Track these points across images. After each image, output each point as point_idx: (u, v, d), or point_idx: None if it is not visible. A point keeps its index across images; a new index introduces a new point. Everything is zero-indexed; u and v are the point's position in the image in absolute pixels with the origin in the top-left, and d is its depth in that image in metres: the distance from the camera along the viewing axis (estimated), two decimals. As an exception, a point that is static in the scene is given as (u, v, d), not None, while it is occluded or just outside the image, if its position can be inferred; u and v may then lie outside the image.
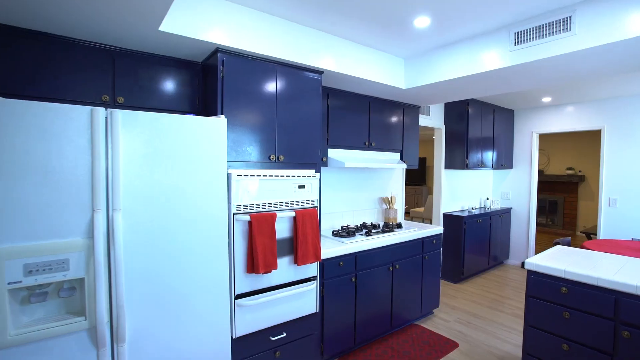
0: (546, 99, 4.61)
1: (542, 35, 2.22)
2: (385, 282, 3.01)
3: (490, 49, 2.48)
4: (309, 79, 2.44)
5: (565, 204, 8.18)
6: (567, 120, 4.90)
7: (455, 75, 2.69)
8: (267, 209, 2.14)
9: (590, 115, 4.68)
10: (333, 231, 3.06)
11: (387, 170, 3.95)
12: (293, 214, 2.21)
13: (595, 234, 5.81)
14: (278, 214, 2.14)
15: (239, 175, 2.02)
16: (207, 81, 2.24)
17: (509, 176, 5.55)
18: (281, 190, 2.20)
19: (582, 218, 7.96)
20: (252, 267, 2.03)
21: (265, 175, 2.13)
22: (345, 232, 3.05)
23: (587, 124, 4.70)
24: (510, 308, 3.82)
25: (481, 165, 4.81)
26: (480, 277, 4.85)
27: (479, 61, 2.55)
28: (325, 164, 2.94)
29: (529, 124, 5.29)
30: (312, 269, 2.39)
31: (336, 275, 2.63)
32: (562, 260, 2.28)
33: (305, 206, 2.33)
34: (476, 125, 4.68)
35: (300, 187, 2.29)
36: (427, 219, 8.97)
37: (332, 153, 3.00)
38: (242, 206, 2.04)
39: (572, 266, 2.18)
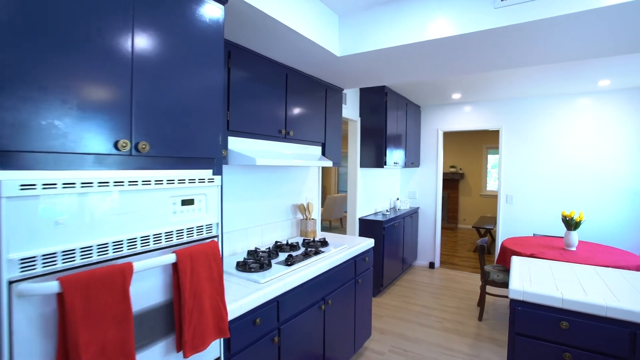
0: (456, 96, 4.47)
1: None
2: (316, 327, 2.13)
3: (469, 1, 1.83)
4: (202, 20, 1.34)
5: (449, 200, 8.81)
6: (470, 119, 4.91)
7: (420, 37, 1.96)
8: (108, 257, 1.00)
9: (490, 114, 4.76)
10: (238, 262, 2.02)
11: (302, 170, 3.08)
12: (172, 258, 1.12)
13: (485, 229, 6.17)
14: (136, 266, 1.01)
15: (29, 187, 0.84)
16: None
17: (416, 175, 5.38)
18: (144, 211, 1.08)
19: (462, 212, 8.69)
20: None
21: (104, 184, 0.98)
22: (256, 261, 2.04)
23: (488, 123, 4.78)
24: (437, 320, 3.42)
25: (397, 163, 4.40)
26: (396, 285, 4.45)
27: (456, 19, 1.88)
28: (224, 160, 1.88)
29: (435, 121, 5.18)
30: (212, 349, 1.33)
31: (251, 343, 1.61)
32: (539, 281, 1.79)
33: (196, 238, 1.25)
34: (393, 120, 4.24)
35: (185, 202, 1.21)
36: (325, 220, 8.52)
37: (236, 144, 1.96)
38: (38, 259, 0.86)
39: (565, 289, 1.69)
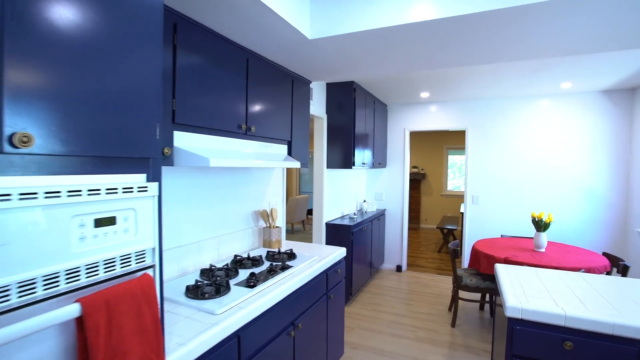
0: (424, 94, 4.35)
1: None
2: (285, 358, 1.81)
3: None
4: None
5: (411, 200, 8.85)
6: (436, 119, 4.83)
7: (402, 20, 1.70)
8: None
9: (457, 115, 4.71)
10: (188, 287, 1.63)
11: (265, 172, 2.73)
12: (73, 310, 0.74)
13: (448, 229, 6.18)
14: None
15: None
16: None
17: (383, 176, 5.22)
18: (22, 243, 0.69)
19: (424, 212, 8.76)
20: None
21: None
22: (211, 283, 1.67)
23: (454, 123, 4.73)
24: (410, 330, 3.24)
25: (365, 164, 4.18)
26: (365, 292, 4.23)
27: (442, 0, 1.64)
28: (169, 161, 1.49)
29: (402, 121, 5.05)
30: None
31: (203, 397, 1.25)
32: (532, 293, 1.62)
33: (119, 273, 0.88)
34: (361, 118, 4.01)
35: (101, 222, 0.84)
36: (287, 223, 8.18)
37: (184, 140, 1.57)
38: None
39: (564, 304, 1.52)
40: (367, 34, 1.83)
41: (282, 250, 2.48)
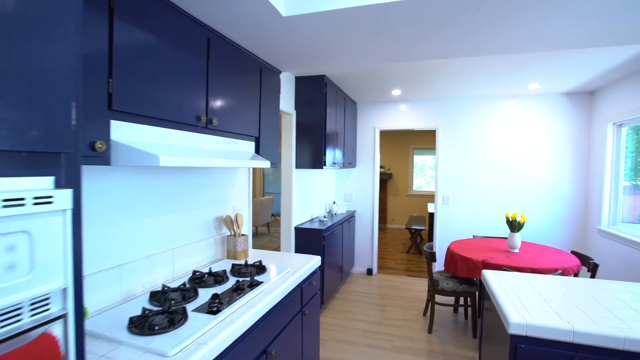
0: (396, 92, 4.22)
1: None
2: (255, 395, 1.52)
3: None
4: None
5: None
6: (407, 118, 4.74)
7: None
8: None
9: (427, 114, 4.64)
10: (132, 319, 1.29)
11: (229, 172, 2.41)
12: None
13: (416, 229, 6.14)
14: None
15: None
16: None
17: (352, 176, 5.04)
18: None
19: (390, 212, 8.75)
20: None
21: None
22: (164, 311, 1.35)
23: (425, 123, 4.65)
24: (386, 339, 3.06)
25: (336, 163, 3.97)
26: (336, 299, 4.01)
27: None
28: (103, 159, 1.15)
29: (372, 119, 4.90)
30: None
31: None
32: (531, 305, 1.47)
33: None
34: (332, 115, 3.78)
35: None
36: (251, 226, 7.79)
37: (126, 133, 1.23)
38: None
39: (569, 317, 1.38)
40: (346, 13, 1.60)
41: (250, 261, 2.18)
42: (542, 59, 2.92)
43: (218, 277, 1.81)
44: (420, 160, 8.67)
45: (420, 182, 8.69)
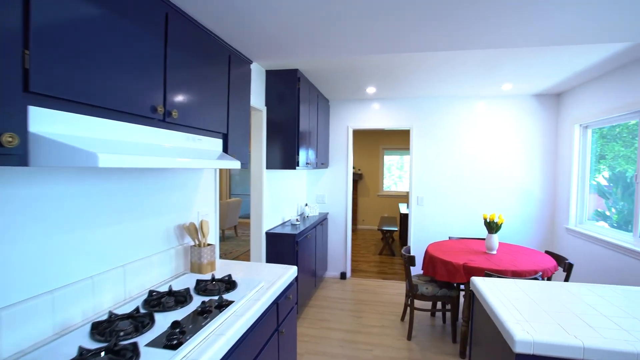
0: (371, 89, 4.08)
1: None
2: None
3: None
4: None
5: (348, 201, 8.69)
6: (380, 117, 4.62)
7: None
8: None
9: (401, 113, 4.55)
10: (66, 361, 1.01)
11: (193, 174, 2.12)
12: None
13: (389, 230, 6.08)
14: None
15: None
16: None
17: (325, 177, 4.85)
18: None
19: (361, 213, 8.68)
20: None
21: None
22: (108, 349, 1.07)
23: (399, 122, 4.56)
24: (366, 348, 2.90)
25: (309, 164, 3.76)
26: (311, 307, 3.80)
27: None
28: (19, 158, 0.86)
29: (345, 118, 4.74)
30: None
31: None
32: (532, 316, 1.34)
33: None
34: (305, 112, 3.57)
35: None
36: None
37: (54, 124, 0.95)
38: None
39: (575, 330, 1.27)
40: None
41: (218, 275, 1.91)
42: (515, 59, 2.88)
43: (180, 297, 1.54)
44: (388, 161, 8.67)
45: (389, 182, 8.70)
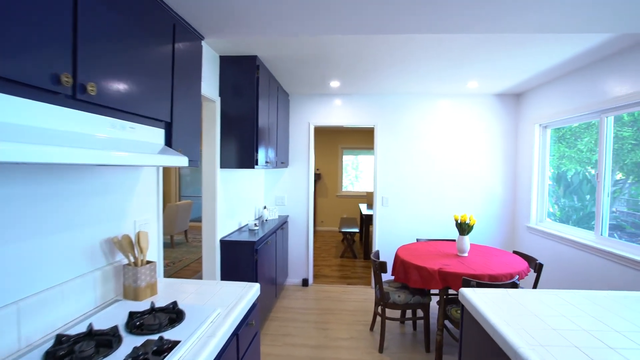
0: (335, 83, 3.81)
1: None
2: None
3: None
4: None
5: (307, 202, 8.40)
6: (343, 114, 4.38)
7: None
8: None
9: (366, 110, 4.35)
10: None
11: (127, 173, 1.69)
12: None
13: (350, 232, 5.88)
14: None
15: None
16: None
17: (285, 177, 4.51)
18: None
19: (319, 214, 8.43)
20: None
21: None
22: None
23: (363, 119, 4.36)
24: (336, 368, 2.62)
25: (269, 163, 3.40)
26: (272, 320, 3.44)
27: None
28: None
29: (306, 114, 4.44)
30: None
31: None
32: (539, 335, 1.15)
33: None
34: (265, 106, 3.20)
35: None
36: (165, 235, 6.70)
37: None
38: None
39: (592, 352, 1.08)
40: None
41: (159, 303, 1.51)
42: (486, 54, 2.79)
43: (103, 341, 1.13)
44: (345, 160, 8.53)
45: (345, 182, 8.55)
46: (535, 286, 2.70)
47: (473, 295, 1.61)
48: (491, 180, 4.25)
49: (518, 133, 4.17)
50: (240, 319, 1.48)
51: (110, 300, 1.53)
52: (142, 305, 1.46)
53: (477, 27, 1.99)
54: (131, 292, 1.54)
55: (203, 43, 2.60)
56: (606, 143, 2.86)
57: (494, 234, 4.27)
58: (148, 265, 1.59)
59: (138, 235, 1.60)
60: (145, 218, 1.86)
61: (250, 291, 1.68)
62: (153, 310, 1.36)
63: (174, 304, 1.40)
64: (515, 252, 3.09)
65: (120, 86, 1.19)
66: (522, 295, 1.62)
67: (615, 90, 2.68)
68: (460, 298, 1.70)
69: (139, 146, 1.24)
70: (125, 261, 1.63)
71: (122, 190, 1.65)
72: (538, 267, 2.74)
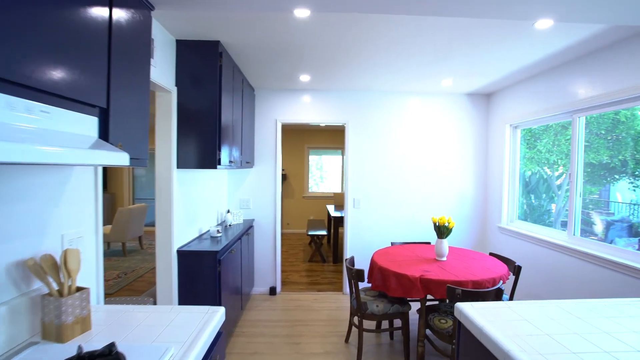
0: (305, 77, 3.55)
1: None
2: None
3: None
4: None
5: (272, 204, 8.05)
6: (312, 111, 4.13)
7: None
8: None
9: (336, 107, 4.13)
10: None
11: (49, 173, 1.31)
12: None
13: (319, 235, 5.65)
14: None
15: None
16: None
17: (250, 178, 4.17)
18: None
19: (285, 216, 8.12)
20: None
21: None
22: None
23: (333, 117, 4.14)
24: (311, 389, 2.36)
25: (233, 162, 3.06)
26: (238, 336, 3.11)
27: None
28: None
29: (273, 110, 4.13)
30: None
31: None
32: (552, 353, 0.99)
33: None
34: (229, 99, 2.87)
35: None
36: (116, 242, 6.06)
37: None
38: None
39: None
40: None
41: (94, 343, 1.16)
42: (465, 49, 2.68)
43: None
44: (312, 160, 8.30)
45: (311, 182, 8.33)
46: (513, 289, 2.62)
47: (473, 312, 1.42)
48: (463, 181, 4.21)
49: (489, 133, 4.17)
50: (203, 356, 1.18)
51: (23, 344, 1.16)
52: (67, 350, 1.11)
53: (454, 9, 1.83)
54: (53, 332, 1.17)
55: (157, 23, 2.23)
56: (579, 143, 2.86)
57: (466, 235, 4.24)
58: (78, 294, 1.23)
59: (64, 254, 1.24)
60: (77, 231, 1.48)
61: (213, 318, 1.37)
62: (80, 358, 1.02)
63: (111, 346, 1.07)
64: (491, 254, 3.02)
65: (22, 48, 0.84)
66: (525, 309, 1.46)
67: (586, 92, 2.67)
68: (456, 314, 1.51)
69: (56, 137, 0.90)
70: (46, 290, 1.26)
71: (41, 197, 1.27)
72: (517, 270, 2.67)
